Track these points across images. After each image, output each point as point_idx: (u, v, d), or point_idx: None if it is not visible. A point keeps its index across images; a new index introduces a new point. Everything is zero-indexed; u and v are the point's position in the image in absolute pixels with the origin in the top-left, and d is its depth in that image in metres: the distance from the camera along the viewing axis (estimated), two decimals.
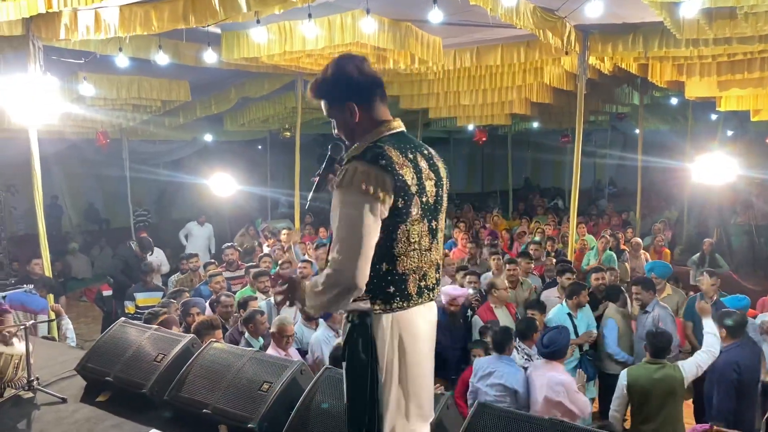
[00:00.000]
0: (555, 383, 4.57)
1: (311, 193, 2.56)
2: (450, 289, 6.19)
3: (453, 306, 6.02)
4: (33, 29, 6.54)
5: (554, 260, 8.33)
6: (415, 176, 2.27)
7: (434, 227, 2.39)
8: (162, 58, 7.45)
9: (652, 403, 4.60)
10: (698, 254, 9.86)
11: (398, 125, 2.41)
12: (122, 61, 7.41)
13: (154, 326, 4.75)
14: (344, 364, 2.32)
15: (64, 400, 4.31)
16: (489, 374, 4.82)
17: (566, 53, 8.06)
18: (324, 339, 5.34)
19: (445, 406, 3.23)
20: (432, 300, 2.42)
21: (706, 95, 9.98)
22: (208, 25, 6.25)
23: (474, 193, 23.37)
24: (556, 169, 22.97)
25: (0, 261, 7.22)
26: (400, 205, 2.21)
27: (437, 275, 2.45)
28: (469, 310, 6.32)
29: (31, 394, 4.40)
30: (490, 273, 7.56)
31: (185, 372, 4.03)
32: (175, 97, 9.69)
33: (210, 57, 7.58)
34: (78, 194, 15.50)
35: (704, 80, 8.95)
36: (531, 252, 8.37)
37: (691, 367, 4.69)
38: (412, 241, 2.28)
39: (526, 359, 5.10)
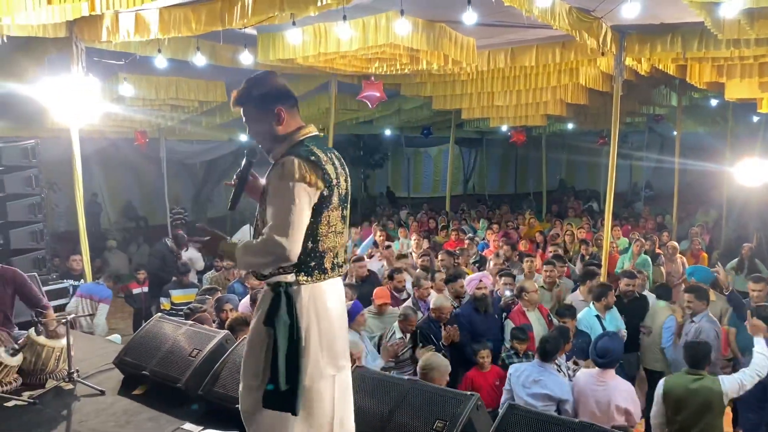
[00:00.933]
0: (623, 390, 4.54)
1: (232, 196, 2.93)
2: (469, 279, 6.38)
3: (482, 289, 6.27)
4: (76, 31, 6.74)
5: (583, 264, 8.26)
6: (334, 171, 2.71)
7: (345, 215, 2.82)
8: (199, 59, 7.59)
9: (686, 413, 4.49)
10: (737, 259, 9.62)
11: (314, 130, 2.82)
12: (161, 62, 7.57)
13: (189, 322, 4.85)
14: (260, 328, 2.69)
15: (102, 392, 4.43)
16: (533, 382, 4.71)
17: (602, 54, 7.97)
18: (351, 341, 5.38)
19: (475, 407, 3.23)
20: (340, 276, 2.86)
21: (747, 97, 9.76)
22: (244, 27, 6.35)
23: (507, 194, 23.21)
24: (591, 171, 22.70)
25: (42, 257, 7.43)
26: (325, 194, 2.64)
27: (345, 255, 2.90)
28: (504, 312, 6.32)
29: (71, 386, 4.52)
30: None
31: (219, 367, 4.11)
32: (212, 98, 9.86)
33: (246, 58, 7.69)
34: (116, 192, 15.85)
35: (745, 81, 8.77)
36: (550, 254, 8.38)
37: (733, 383, 4.53)
38: (331, 224, 2.71)
39: (557, 369, 5.03)
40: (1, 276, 4.81)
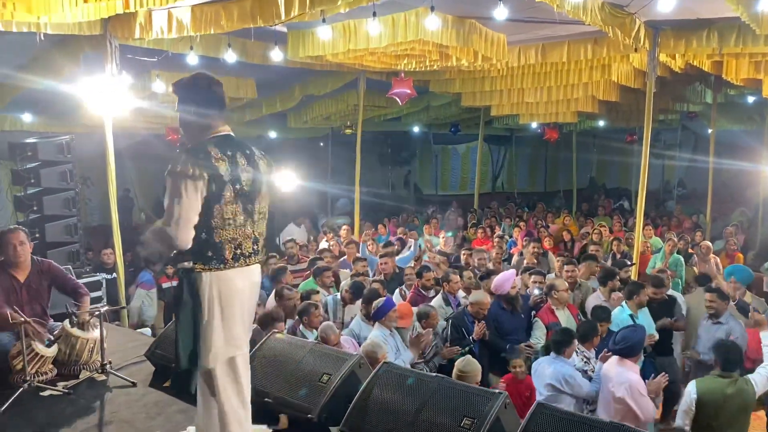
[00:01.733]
0: (621, 380, 4.47)
1: None
2: (496, 280, 6.34)
3: (515, 288, 6.23)
4: (110, 29, 6.84)
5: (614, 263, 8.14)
6: (229, 169, 2.92)
7: (250, 209, 3.05)
8: (231, 57, 7.66)
9: (723, 418, 4.39)
10: None
11: (225, 130, 3.11)
12: (193, 59, 7.65)
13: None
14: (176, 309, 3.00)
15: (134, 384, 4.51)
16: (543, 374, 4.79)
17: (635, 50, 7.84)
18: (381, 337, 5.38)
19: (503, 405, 3.21)
20: (249, 265, 3.09)
21: None
22: (275, 24, 6.38)
23: (537, 192, 22.99)
24: (622, 169, 22.36)
25: (76, 250, 7.57)
26: (213, 190, 2.87)
27: (255, 246, 3.12)
28: (533, 311, 6.27)
29: (104, 377, 4.62)
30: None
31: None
32: (242, 95, 9.93)
33: (277, 55, 7.74)
34: (148, 187, 16.06)
35: None
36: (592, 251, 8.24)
37: (762, 380, 4.48)
38: (226, 218, 2.94)
39: (584, 362, 5.00)
40: (38, 268, 4.91)
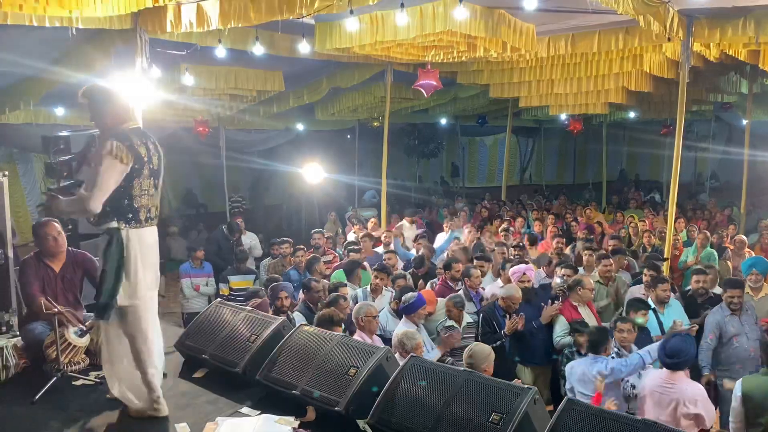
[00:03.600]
0: (693, 396, 4.34)
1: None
2: (516, 269, 6.41)
3: (525, 282, 6.28)
4: (141, 23, 6.90)
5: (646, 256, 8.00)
6: (146, 152, 3.76)
7: (156, 183, 3.88)
8: (258, 49, 7.67)
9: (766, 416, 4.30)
10: None
11: (135, 123, 3.93)
12: (221, 52, 7.68)
13: (248, 308, 4.94)
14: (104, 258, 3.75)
15: (164, 375, 4.56)
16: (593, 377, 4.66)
17: (669, 40, 7.67)
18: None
19: (532, 401, 3.18)
20: (153, 226, 3.92)
21: None
22: (303, 17, 6.37)
23: (565, 184, 22.73)
24: (653, 162, 21.97)
25: None
26: (136, 167, 3.68)
27: (156, 212, 3.93)
28: (556, 301, 6.21)
29: None
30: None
31: (276, 353, 4.18)
32: (270, 88, 9.95)
33: (304, 48, 7.73)
34: (177, 180, 16.27)
35: None
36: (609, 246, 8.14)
37: None
38: (143, 189, 3.76)
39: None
40: (73, 259, 5.01)
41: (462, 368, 3.85)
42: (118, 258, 3.70)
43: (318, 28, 7.66)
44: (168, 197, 15.99)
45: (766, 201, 14.81)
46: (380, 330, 5.60)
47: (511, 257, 7.75)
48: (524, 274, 6.41)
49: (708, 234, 8.94)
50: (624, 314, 5.62)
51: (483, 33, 6.97)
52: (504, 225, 10.64)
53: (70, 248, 5.07)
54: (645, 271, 6.68)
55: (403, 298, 5.54)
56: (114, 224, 3.70)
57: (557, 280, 6.47)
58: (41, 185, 12.48)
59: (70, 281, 4.98)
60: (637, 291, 6.59)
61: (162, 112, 10.29)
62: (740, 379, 4.54)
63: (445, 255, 8.25)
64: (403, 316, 5.49)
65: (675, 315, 5.88)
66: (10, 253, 4.99)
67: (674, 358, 4.41)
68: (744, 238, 9.38)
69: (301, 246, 8.39)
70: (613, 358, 4.87)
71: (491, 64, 10.13)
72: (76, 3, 5.17)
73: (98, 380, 4.44)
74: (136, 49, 6.98)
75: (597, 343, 4.80)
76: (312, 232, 8.97)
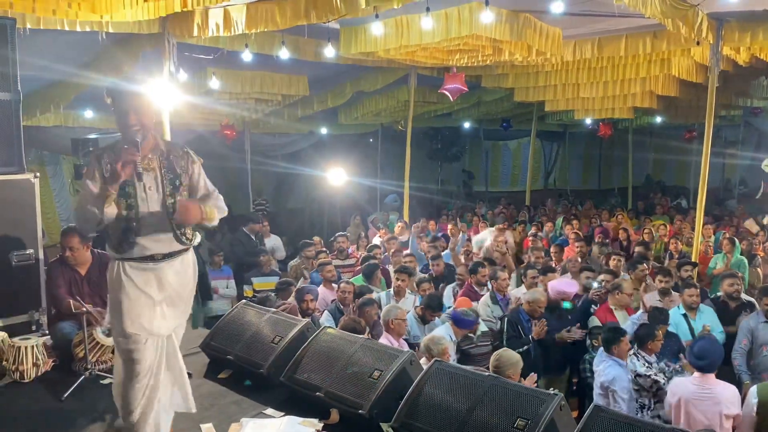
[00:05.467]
0: (730, 395, 4.34)
1: None
2: (557, 284, 6.23)
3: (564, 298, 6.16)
4: (168, 27, 7.00)
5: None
6: None
7: None
8: (284, 54, 7.74)
9: None
10: None
11: None
12: (248, 56, 7.76)
13: (272, 309, 4.96)
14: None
15: (189, 375, 4.60)
16: (596, 372, 4.80)
17: (698, 43, 7.57)
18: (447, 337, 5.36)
19: (558, 407, 3.15)
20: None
21: None
22: (328, 21, 6.41)
23: (590, 189, 22.49)
24: (679, 167, 21.65)
25: None
26: None
27: None
28: (592, 305, 6.16)
29: None
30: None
31: (300, 355, 4.19)
32: (294, 92, 10.03)
33: (329, 52, 7.78)
34: None
35: None
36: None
37: None
38: None
39: (647, 366, 4.84)
40: (99, 261, 5.07)
41: (487, 373, 3.83)
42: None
43: (343, 33, 7.70)
44: None
45: None
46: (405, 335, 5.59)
47: (534, 261, 7.71)
48: (564, 292, 6.17)
49: (735, 240, 8.78)
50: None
51: (508, 37, 6.95)
52: (533, 230, 10.58)
53: (96, 250, 5.14)
54: (659, 278, 6.61)
55: (460, 310, 5.53)
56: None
57: (594, 284, 6.42)
58: (70, 187, 12.67)
59: (96, 283, 5.03)
60: (653, 298, 6.51)
61: (189, 116, 10.41)
62: (756, 386, 4.46)
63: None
64: (448, 323, 5.47)
65: (707, 321, 5.80)
66: (41, 254, 5.09)
67: (704, 359, 4.36)
68: None
69: (324, 249, 8.41)
70: (648, 366, 4.86)
71: (516, 68, 10.08)
72: (107, 8, 5.26)
73: None
74: (163, 53, 7.09)
75: (608, 342, 4.84)
76: (336, 235, 8.99)
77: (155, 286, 3.25)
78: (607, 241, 9.66)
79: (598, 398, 4.82)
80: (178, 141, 7.98)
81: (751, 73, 10.60)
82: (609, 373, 4.75)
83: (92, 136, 7.84)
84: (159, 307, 3.28)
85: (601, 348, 4.99)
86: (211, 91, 9.23)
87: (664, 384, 4.74)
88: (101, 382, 4.44)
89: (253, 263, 8.72)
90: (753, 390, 4.41)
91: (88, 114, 10.72)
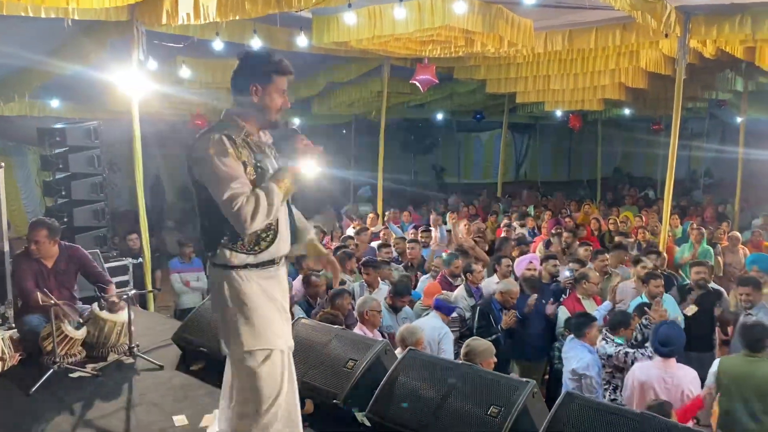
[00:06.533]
0: (692, 379, 4.47)
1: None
2: (521, 258, 6.59)
3: (531, 270, 6.50)
4: (137, 15, 6.86)
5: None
6: None
7: None
8: (256, 43, 7.65)
9: (739, 395, 4.34)
10: None
11: None
12: (219, 45, 7.65)
13: None
14: None
15: (161, 367, 4.57)
16: (565, 358, 4.89)
17: (666, 36, 7.68)
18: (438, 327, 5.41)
19: (531, 394, 3.19)
20: None
21: None
22: (300, 10, 6.36)
23: (560, 181, 22.77)
24: (647, 158, 22.04)
25: (104, 235, 7.67)
26: None
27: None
28: (562, 294, 6.26)
29: (131, 360, 4.68)
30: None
31: None
32: None
33: (302, 41, 7.72)
34: (174, 174, 16.21)
35: None
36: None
37: None
38: None
39: (614, 345, 4.95)
40: (66, 254, 4.99)
41: (460, 362, 3.86)
42: None
43: (315, 22, 7.64)
44: (164, 191, 15.97)
45: (759, 198, 14.89)
46: None
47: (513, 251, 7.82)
48: (530, 262, 6.57)
49: (702, 230, 8.97)
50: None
51: (481, 28, 6.97)
52: (506, 221, 10.67)
53: (63, 243, 5.05)
54: (641, 266, 6.71)
55: (440, 297, 5.57)
56: None
57: (566, 273, 6.52)
58: (36, 178, 12.42)
59: (63, 275, 4.96)
60: (628, 286, 6.62)
61: (158, 105, 10.25)
62: (718, 359, 4.66)
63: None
64: (433, 313, 5.50)
65: (669, 309, 5.90)
66: (6, 246, 4.98)
67: (668, 345, 4.50)
68: (738, 234, 9.43)
69: None
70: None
71: (488, 60, 10.13)
72: None
73: (95, 372, 4.44)
74: (132, 42, 6.95)
75: (577, 326, 4.95)
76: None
77: (279, 295, 2.85)
78: (560, 230, 9.73)
79: (568, 384, 4.90)
80: (147, 131, 7.91)
81: (717, 66, 10.80)
82: (582, 359, 4.83)
83: (59, 125, 7.73)
84: (284, 315, 2.90)
85: (571, 335, 5.08)
86: (182, 80, 9.10)
87: (635, 353, 4.86)
88: (70, 375, 4.39)
89: None
90: (716, 362, 4.59)
91: (55, 103, 10.50)
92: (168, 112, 11.57)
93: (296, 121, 3.02)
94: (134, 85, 6.96)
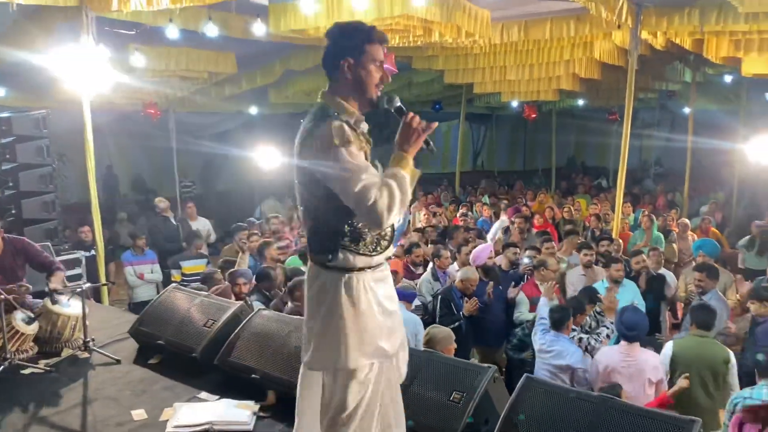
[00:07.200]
0: (655, 364, 4.57)
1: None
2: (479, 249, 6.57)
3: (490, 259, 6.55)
4: (86, 0, 6.65)
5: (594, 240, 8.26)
6: None
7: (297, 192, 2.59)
8: (211, 30, 7.49)
9: (693, 376, 4.52)
10: (748, 237, 9.58)
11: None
12: (172, 32, 7.47)
13: (204, 293, 4.87)
14: None
15: (118, 362, 4.47)
16: (547, 353, 4.84)
17: (618, 27, 7.84)
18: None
19: (492, 379, 3.24)
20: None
21: (763, 72, 9.60)
22: None
23: (516, 171, 23.09)
24: (600, 148, 22.52)
25: (54, 227, 7.45)
26: None
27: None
28: (521, 281, 6.36)
29: (87, 355, 4.58)
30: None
31: (234, 338, 4.13)
32: (221, 69, 9.75)
33: (259, 29, 7.59)
34: (127, 164, 15.84)
35: (763, 57, 8.63)
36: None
37: (735, 371, 4.59)
38: None
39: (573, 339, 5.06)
40: (11, 248, 4.83)
41: (423, 349, 3.90)
42: None
43: (272, 9, 7.52)
44: (118, 182, 15.59)
45: (707, 186, 15.41)
46: None
47: (468, 240, 7.87)
48: (489, 250, 6.64)
49: (653, 217, 9.23)
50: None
51: (438, 18, 6.98)
52: (463, 210, 10.77)
53: (7, 236, 4.90)
54: (583, 252, 6.91)
55: (400, 286, 5.58)
56: None
57: (525, 260, 6.63)
58: None
59: (10, 270, 4.80)
60: (576, 273, 6.80)
61: (110, 94, 9.95)
62: (671, 341, 4.88)
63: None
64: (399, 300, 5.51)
65: (629, 294, 6.09)
66: None
67: (633, 330, 4.61)
68: (687, 221, 9.76)
69: (255, 231, 8.28)
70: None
71: (446, 50, 10.17)
72: None
73: (48, 368, 4.32)
74: (81, 27, 6.72)
75: (559, 321, 4.93)
76: (269, 217, 8.87)
77: (389, 297, 2.59)
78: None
79: (549, 376, 4.86)
80: (98, 121, 7.68)
81: (667, 57, 11.09)
82: (574, 353, 4.81)
83: (5, 114, 7.44)
84: (395, 319, 2.62)
85: (550, 331, 4.97)
86: (134, 68, 8.86)
87: (588, 339, 4.98)
88: (22, 372, 4.27)
89: (176, 248, 8.49)
90: (670, 343, 4.82)
91: (0, 92, 10.12)
92: (120, 101, 11.25)
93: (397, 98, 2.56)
94: (84, 74, 6.74)
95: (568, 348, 4.84)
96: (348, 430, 2.49)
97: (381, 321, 2.49)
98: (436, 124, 2.55)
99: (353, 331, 2.42)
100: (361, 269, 2.45)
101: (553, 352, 4.82)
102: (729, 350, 4.64)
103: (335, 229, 2.43)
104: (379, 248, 2.50)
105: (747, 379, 4.40)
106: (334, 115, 2.41)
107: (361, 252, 2.44)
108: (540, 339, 4.97)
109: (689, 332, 4.80)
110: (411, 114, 2.49)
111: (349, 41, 2.48)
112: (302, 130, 2.53)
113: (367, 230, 2.44)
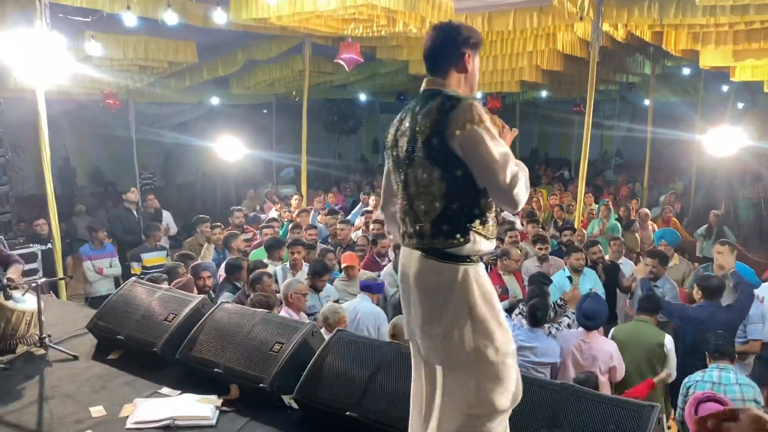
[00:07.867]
0: (608, 350, 4.64)
1: None
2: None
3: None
4: None
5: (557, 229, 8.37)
6: (393, 135, 2.60)
7: (403, 179, 2.52)
8: (170, 17, 7.32)
9: (634, 356, 4.70)
10: (705, 226, 9.83)
11: (423, 85, 2.61)
12: (130, 19, 7.28)
13: (165, 286, 4.77)
14: None
15: (75, 358, 4.35)
16: (526, 350, 4.72)
17: (581, 19, 7.92)
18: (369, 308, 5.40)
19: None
20: (410, 246, 2.53)
21: (720, 65, 9.84)
22: None
23: None
24: (562, 140, 22.81)
25: (8, 220, 7.23)
26: (385, 157, 2.71)
27: (415, 226, 2.48)
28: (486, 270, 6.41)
29: (42, 351, 4.43)
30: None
31: (196, 332, 4.06)
32: (182, 59, 9.56)
33: (220, 17, 7.46)
34: (85, 156, 15.44)
35: (720, 49, 8.81)
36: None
37: (672, 355, 4.72)
38: (393, 189, 2.66)
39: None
40: None
41: (387, 341, 3.88)
42: None
43: None
44: (75, 174, 15.19)
45: (666, 177, 15.75)
46: None
47: None
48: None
49: (610, 206, 9.40)
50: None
51: (402, 7, 6.96)
52: None
53: None
54: (538, 246, 7.02)
55: (366, 278, 5.57)
56: None
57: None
58: None
59: None
60: (531, 264, 6.89)
61: (67, 84, 9.66)
62: (614, 328, 5.07)
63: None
64: (362, 295, 5.46)
65: (590, 282, 6.17)
66: None
67: (593, 319, 4.69)
68: (648, 211, 9.96)
69: (218, 224, 8.16)
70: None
71: (411, 41, 10.13)
72: None
73: (2, 365, 4.19)
74: (34, 13, 6.49)
75: (538, 319, 4.81)
76: (232, 209, 8.76)
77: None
78: None
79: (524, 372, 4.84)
80: (54, 111, 7.45)
81: (628, 49, 11.27)
82: (555, 349, 4.75)
83: None
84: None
85: (522, 327, 4.88)
86: (90, 57, 8.61)
87: (549, 328, 5.04)
88: None
89: (136, 240, 8.32)
90: (612, 331, 4.99)
91: None
92: (78, 90, 10.93)
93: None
94: (38, 62, 6.52)
95: (549, 345, 4.75)
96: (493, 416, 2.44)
97: (500, 310, 2.49)
98: (516, 131, 2.61)
99: (494, 325, 2.39)
100: (478, 261, 2.44)
101: (533, 350, 4.70)
102: (665, 334, 4.80)
103: (468, 211, 2.39)
104: (493, 234, 2.49)
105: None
106: (469, 97, 2.42)
107: (487, 236, 2.43)
108: (514, 335, 4.95)
109: (634, 319, 4.99)
110: (496, 117, 2.50)
111: (471, 37, 2.54)
112: (424, 111, 2.43)
113: (488, 213, 2.42)
